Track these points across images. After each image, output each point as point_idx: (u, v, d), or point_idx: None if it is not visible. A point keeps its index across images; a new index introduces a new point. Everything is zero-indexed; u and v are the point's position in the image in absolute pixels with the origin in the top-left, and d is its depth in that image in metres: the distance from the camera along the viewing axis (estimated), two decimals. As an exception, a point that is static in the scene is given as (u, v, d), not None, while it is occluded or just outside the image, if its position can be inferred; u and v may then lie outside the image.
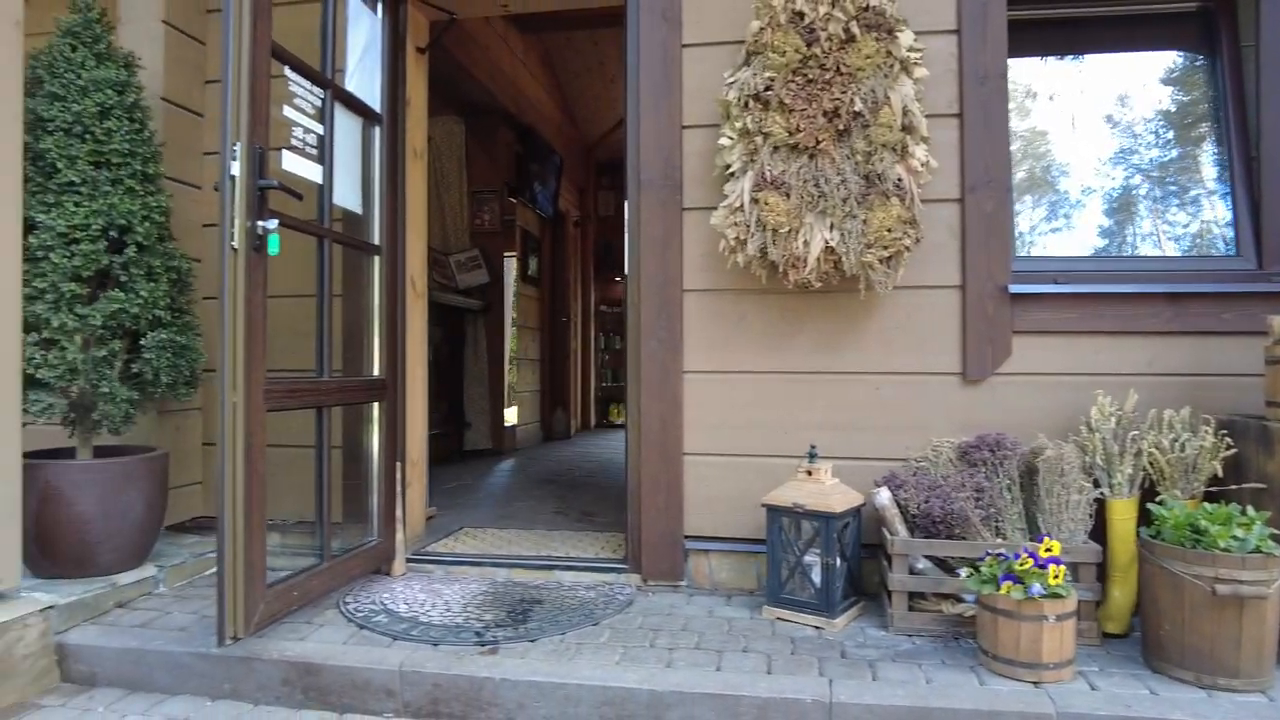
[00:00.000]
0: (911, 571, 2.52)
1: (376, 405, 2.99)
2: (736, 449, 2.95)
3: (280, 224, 2.29)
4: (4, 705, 2.31)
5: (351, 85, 2.84)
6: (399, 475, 3.10)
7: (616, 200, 9.45)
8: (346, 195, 2.84)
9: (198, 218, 3.32)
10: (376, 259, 3.00)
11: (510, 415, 7.02)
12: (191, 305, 2.98)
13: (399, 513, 3.07)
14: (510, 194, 6.86)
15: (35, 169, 2.62)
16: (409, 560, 3.13)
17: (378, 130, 3.00)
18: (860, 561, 2.72)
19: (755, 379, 2.95)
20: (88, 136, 2.66)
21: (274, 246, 2.27)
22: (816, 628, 2.54)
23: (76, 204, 2.61)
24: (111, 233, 2.65)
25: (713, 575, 2.97)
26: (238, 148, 2.19)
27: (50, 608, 2.47)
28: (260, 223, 2.24)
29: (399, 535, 3.07)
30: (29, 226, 2.55)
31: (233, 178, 2.19)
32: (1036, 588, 2.07)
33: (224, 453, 2.19)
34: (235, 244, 2.19)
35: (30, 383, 2.53)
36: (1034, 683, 2.08)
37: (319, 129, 2.62)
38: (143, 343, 2.70)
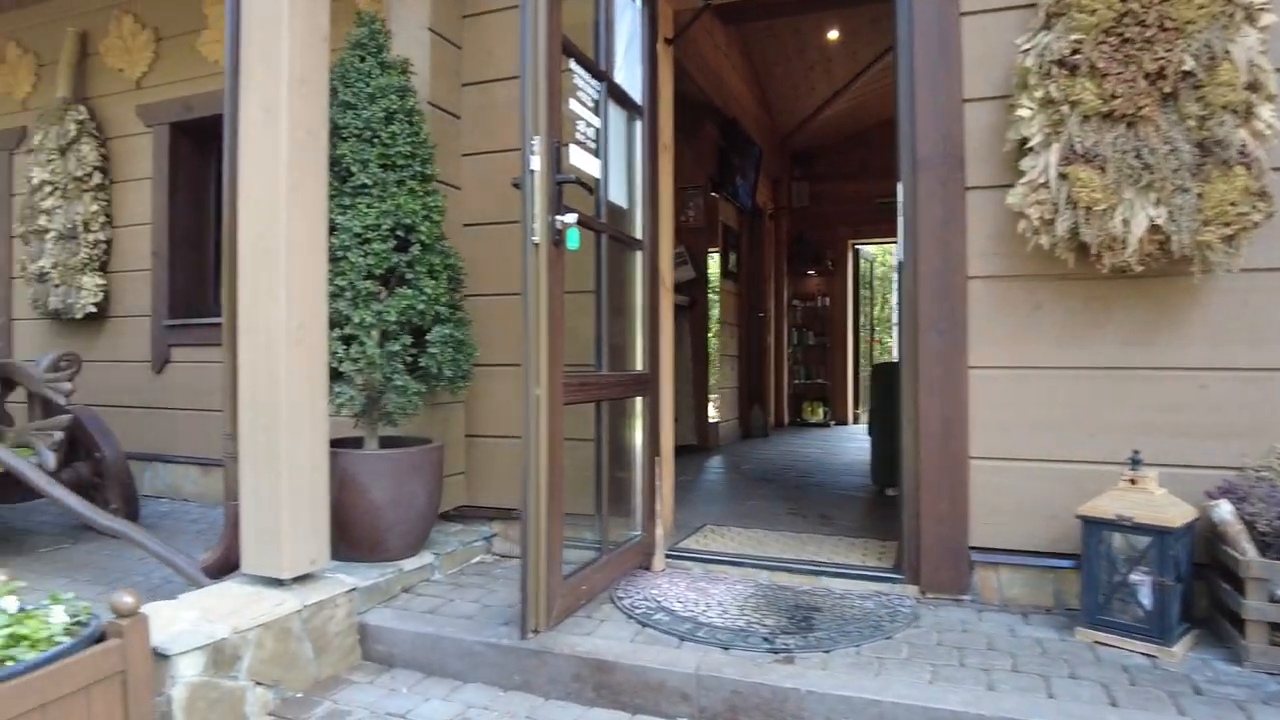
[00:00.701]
0: (1272, 599, 2.17)
1: (640, 400, 2.96)
2: (1030, 453, 2.68)
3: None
4: (322, 678, 2.45)
5: (619, 78, 2.82)
6: (658, 470, 3.06)
7: (810, 191, 9.18)
8: (615, 189, 2.82)
9: (458, 218, 3.42)
10: (639, 254, 2.97)
11: (712, 412, 6.95)
12: (462, 302, 3.06)
13: (658, 507, 3.03)
14: (713, 189, 6.77)
15: (332, 174, 2.76)
16: (666, 556, 3.09)
17: (639, 123, 2.97)
18: (1190, 582, 2.39)
19: (1052, 375, 2.67)
20: (375, 141, 2.79)
21: (573, 241, 2.26)
22: (1148, 655, 2.24)
23: (368, 205, 2.73)
24: (398, 232, 2.76)
25: (1002, 590, 2.71)
26: (536, 142, 2.19)
27: (354, 589, 2.60)
28: (559, 217, 2.24)
29: (658, 530, 3.02)
30: (330, 228, 2.69)
31: (532, 172, 2.19)
32: None
33: (529, 446, 2.19)
34: (536, 239, 2.19)
35: (332, 376, 2.67)
36: None
37: (597, 122, 2.60)
38: (428, 338, 2.80)
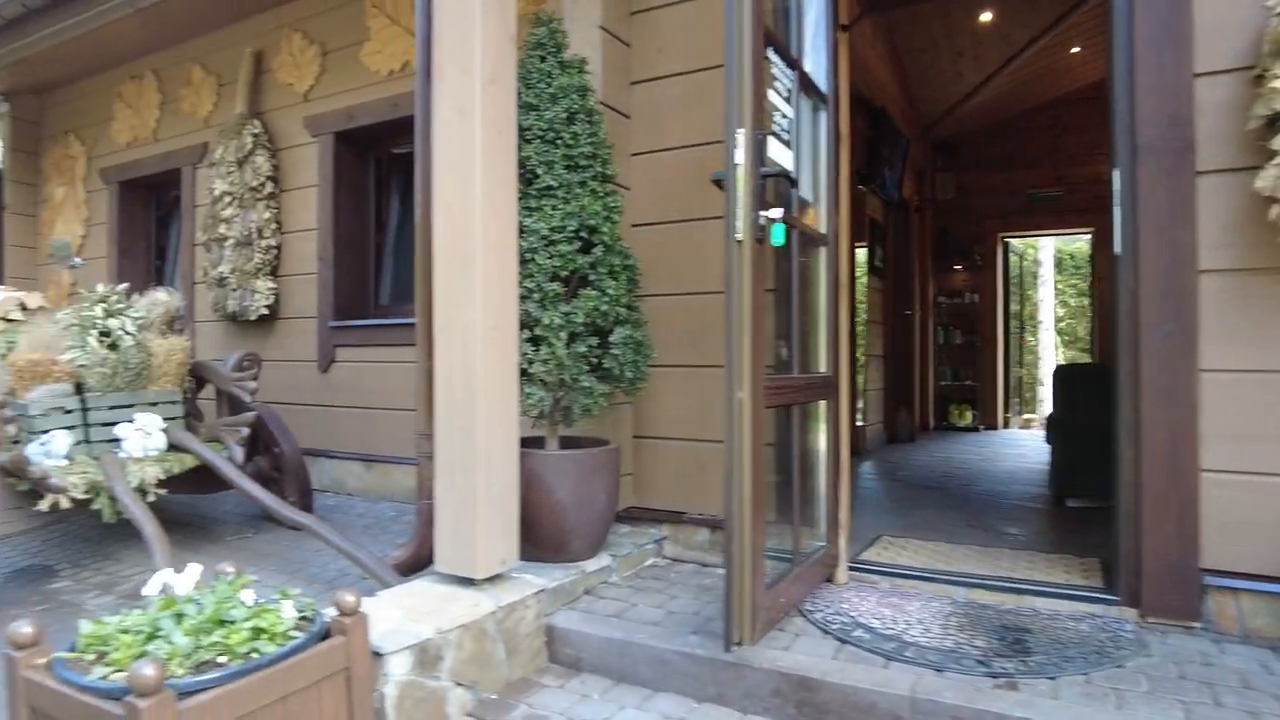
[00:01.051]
0: None
1: (824, 404, 2.83)
2: (1277, 466, 2.39)
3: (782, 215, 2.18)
4: (513, 679, 2.45)
5: (806, 66, 2.70)
6: (842, 478, 2.92)
7: (956, 182, 8.75)
8: (801, 182, 2.70)
9: (627, 218, 3.37)
10: (823, 250, 2.85)
11: (857, 415, 6.70)
12: (637, 302, 3.02)
13: (842, 517, 2.89)
14: (859, 181, 6.53)
15: (518, 176, 2.76)
16: (849, 568, 2.95)
17: (823, 113, 2.84)
18: None
19: (1304, 379, 2.37)
20: (559, 142, 2.77)
21: (778, 236, 2.16)
22: None
23: (553, 207, 2.72)
24: (582, 234, 2.74)
25: (1243, 619, 2.43)
26: (740, 135, 2.11)
27: (542, 591, 2.59)
28: (763, 213, 2.14)
29: (842, 541, 2.89)
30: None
31: (736, 166, 2.11)
32: None
33: (732, 452, 2.11)
34: (740, 235, 2.10)
35: (521, 377, 2.67)
36: None
37: (791, 113, 2.50)
38: (611, 339, 2.76)
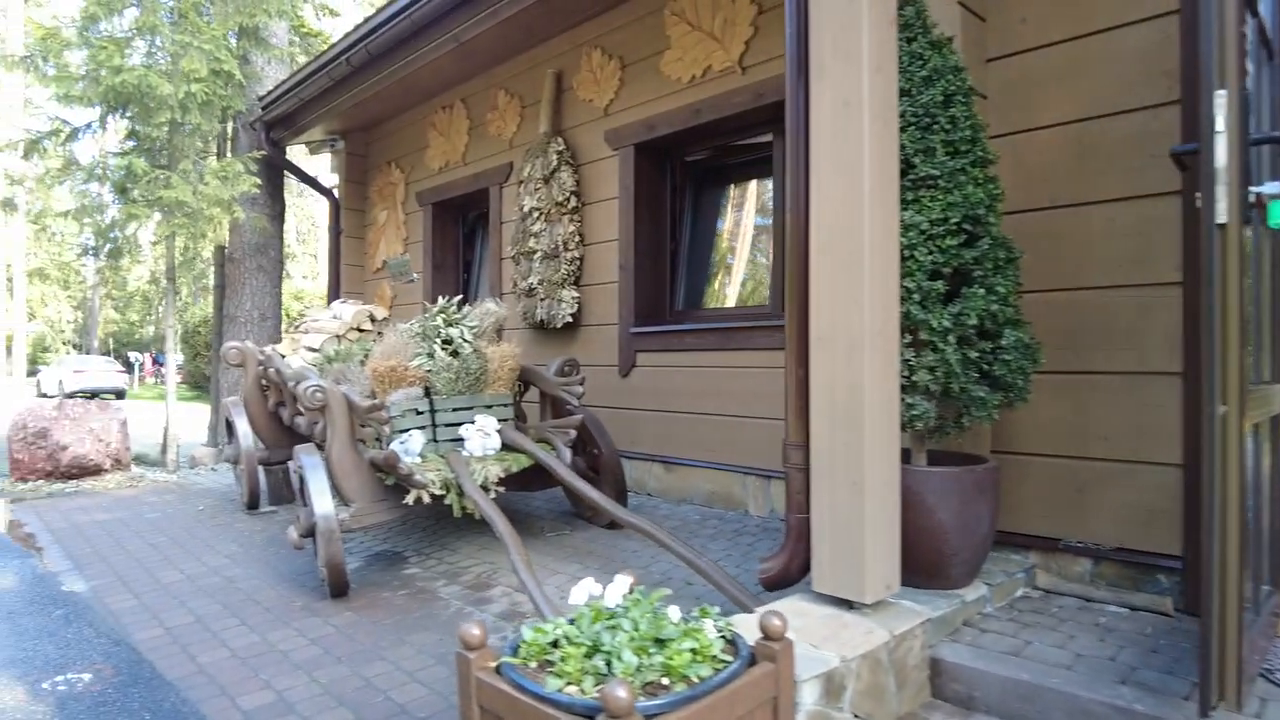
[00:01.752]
0: None
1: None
2: None
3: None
4: (901, 714, 2.25)
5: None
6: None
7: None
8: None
9: (985, 207, 3.08)
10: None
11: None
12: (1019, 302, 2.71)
13: (1289, 558, 2.39)
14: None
15: (890, 167, 2.57)
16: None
17: (1266, 69, 2.37)
18: None
19: None
20: (935, 127, 2.54)
21: (1276, 216, 1.79)
22: None
23: (932, 199, 2.49)
24: (965, 225, 2.48)
25: None
26: (1221, 96, 1.76)
27: (927, 620, 2.37)
28: (1255, 189, 1.78)
29: (1288, 586, 2.39)
30: (890, 226, 2.49)
31: (1218, 134, 1.76)
32: None
33: (1211, 479, 1.76)
34: (1222, 218, 1.75)
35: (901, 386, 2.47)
36: None
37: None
38: (1001, 343, 2.48)
